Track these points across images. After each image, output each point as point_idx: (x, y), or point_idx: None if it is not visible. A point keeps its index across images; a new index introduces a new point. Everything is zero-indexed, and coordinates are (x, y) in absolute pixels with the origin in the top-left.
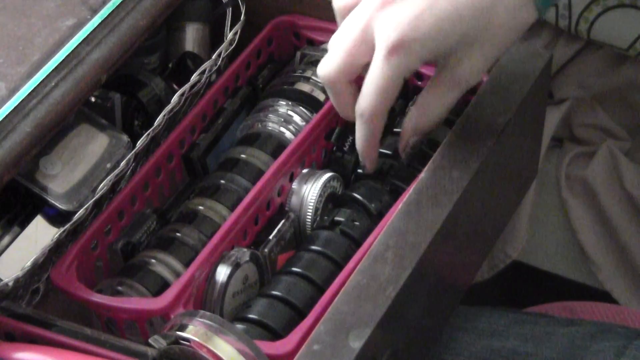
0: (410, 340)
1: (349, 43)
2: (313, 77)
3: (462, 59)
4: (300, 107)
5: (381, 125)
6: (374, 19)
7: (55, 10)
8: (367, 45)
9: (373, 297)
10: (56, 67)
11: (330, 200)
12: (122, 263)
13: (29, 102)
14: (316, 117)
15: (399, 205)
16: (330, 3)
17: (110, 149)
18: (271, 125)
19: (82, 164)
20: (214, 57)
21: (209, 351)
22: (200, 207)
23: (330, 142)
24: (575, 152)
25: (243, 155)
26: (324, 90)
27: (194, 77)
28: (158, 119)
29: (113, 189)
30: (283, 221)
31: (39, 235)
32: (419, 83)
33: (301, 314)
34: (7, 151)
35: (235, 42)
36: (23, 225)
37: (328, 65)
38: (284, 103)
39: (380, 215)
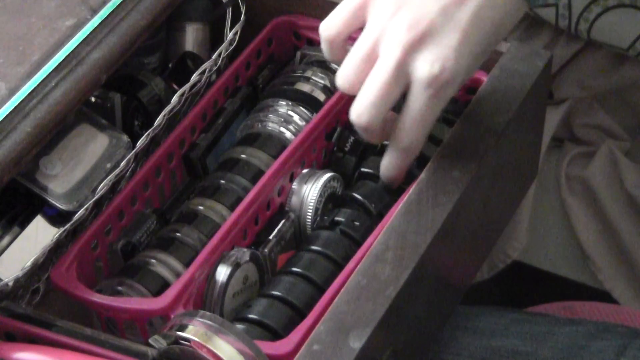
0: (410, 340)
1: (382, 87)
2: (313, 77)
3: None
4: (300, 107)
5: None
6: (410, 58)
7: (55, 10)
8: (400, 85)
9: (373, 297)
10: (56, 67)
11: (330, 201)
12: (122, 263)
13: (29, 102)
14: (316, 117)
15: (399, 205)
16: (330, 3)
17: (110, 149)
18: (271, 125)
19: (82, 164)
20: (214, 57)
21: (209, 351)
22: (200, 207)
23: (331, 142)
24: (575, 152)
25: (243, 155)
26: (324, 91)
27: (194, 77)
28: (158, 119)
29: (113, 189)
30: (283, 221)
31: (39, 235)
32: None
33: (301, 314)
34: (7, 151)
35: (235, 42)
36: (23, 225)
37: (362, 110)
38: (284, 103)
39: (380, 215)
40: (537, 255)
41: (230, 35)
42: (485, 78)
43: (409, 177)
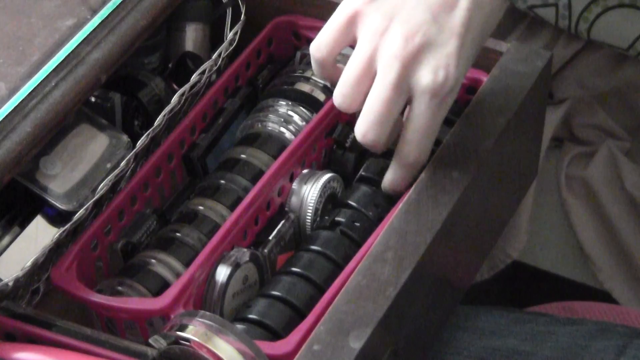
0: (410, 340)
1: (385, 103)
2: (313, 77)
3: None
4: (300, 107)
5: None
6: (410, 70)
7: (55, 10)
8: (402, 99)
9: (373, 297)
10: (56, 68)
11: (330, 201)
12: (122, 263)
13: (29, 102)
14: (316, 117)
15: (399, 205)
16: (330, 3)
17: (110, 149)
18: (271, 125)
19: (82, 164)
20: (214, 57)
21: (209, 351)
22: (200, 207)
23: (331, 142)
24: (575, 152)
25: (243, 155)
26: (324, 90)
27: (194, 77)
28: (158, 119)
29: (113, 189)
30: (283, 222)
31: (39, 235)
32: None
33: (301, 314)
34: (7, 151)
35: (235, 42)
36: (23, 225)
37: (366, 129)
38: (284, 103)
39: (379, 219)
40: (537, 255)
41: (230, 35)
42: (485, 78)
43: None
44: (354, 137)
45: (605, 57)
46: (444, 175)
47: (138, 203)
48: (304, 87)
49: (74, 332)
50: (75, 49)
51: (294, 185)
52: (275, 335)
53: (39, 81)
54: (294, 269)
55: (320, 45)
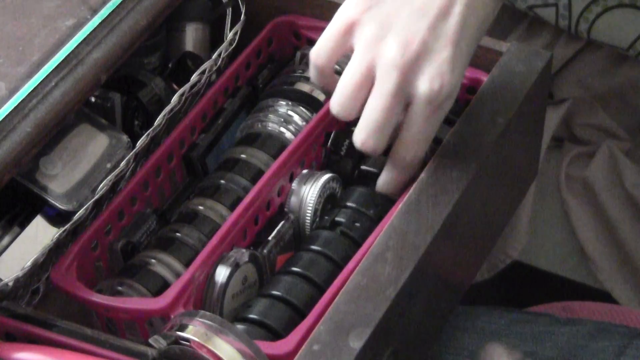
0: (410, 340)
1: (384, 112)
2: None
3: None
4: (300, 107)
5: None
6: (408, 78)
7: (55, 10)
8: (401, 106)
9: (373, 297)
10: (56, 67)
11: (329, 201)
12: (122, 263)
13: (29, 102)
14: (316, 117)
15: (399, 205)
16: (330, 3)
17: (110, 149)
18: (271, 125)
19: (82, 164)
20: (214, 57)
21: (209, 351)
22: (200, 207)
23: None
24: (575, 152)
25: (243, 155)
26: (324, 90)
27: (194, 77)
28: (158, 119)
29: (113, 189)
30: (282, 222)
31: (39, 235)
32: None
33: (301, 314)
34: (7, 151)
35: (235, 42)
36: (23, 225)
37: (366, 137)
38: (284, 103)
39: (379, 219)
40: (537, 255)
41: (230, 35)
42: (485, 78)
43: None
44: (349, 143)
45: (605, 57)
46: (444, 175)
47: (138, 203)
48: (304, 87)
49: (74, 332)
50: (75, 49)
51: (294, 185)
52: (275, 335)
53: (39, 81)
54: (294, 269)
55: (320, 52)
